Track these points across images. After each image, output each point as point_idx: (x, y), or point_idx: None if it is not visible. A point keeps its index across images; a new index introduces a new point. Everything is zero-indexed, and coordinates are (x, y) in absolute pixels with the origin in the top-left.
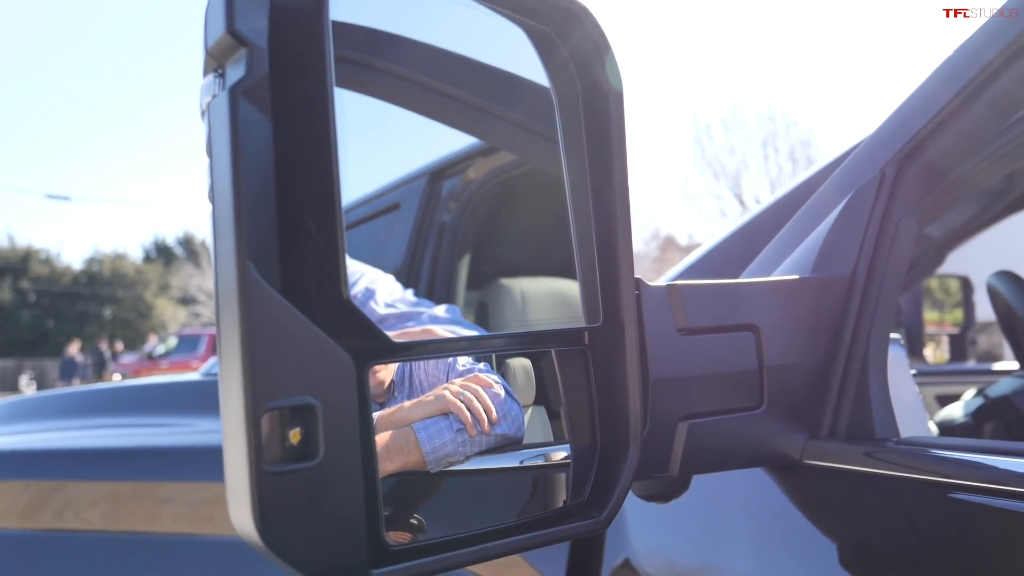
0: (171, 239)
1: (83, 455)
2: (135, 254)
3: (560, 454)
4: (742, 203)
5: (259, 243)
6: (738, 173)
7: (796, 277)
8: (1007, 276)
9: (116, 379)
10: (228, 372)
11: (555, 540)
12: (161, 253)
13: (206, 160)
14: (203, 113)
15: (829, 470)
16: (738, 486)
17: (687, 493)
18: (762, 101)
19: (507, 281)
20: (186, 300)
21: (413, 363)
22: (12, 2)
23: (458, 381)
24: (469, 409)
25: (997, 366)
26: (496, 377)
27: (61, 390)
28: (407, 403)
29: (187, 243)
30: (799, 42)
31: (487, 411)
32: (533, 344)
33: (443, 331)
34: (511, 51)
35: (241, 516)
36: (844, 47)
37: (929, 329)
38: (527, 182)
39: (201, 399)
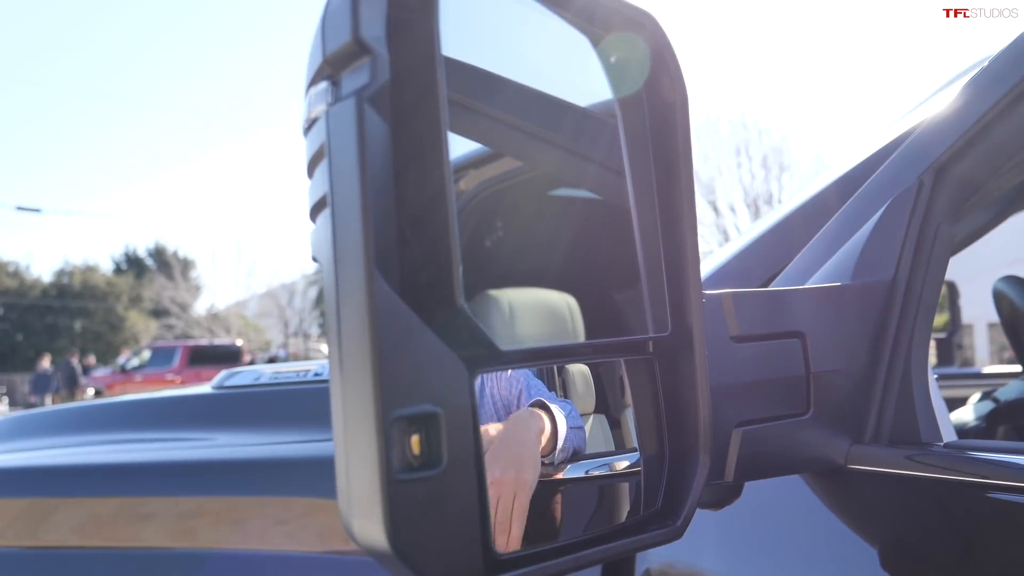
0: (142, 250)
1: (111, 470)
2: (106, 266)
3: (624, 463)
4: (716, 210)
5: (383, 250)
6: (711, 180)
7: (838, 284)
8: (1014, 280)
9: (89, 393)
10: (353, 380)
11: (638, 549)
12: (132, 265)
13: (314, 172)
14: (311, 121)
15: (873, 475)
16: (778, 492)
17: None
18: (735, 109)
19: (495, 292)
20: (158, 312)
21: (486, 378)
22: None
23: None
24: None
25: (987, 369)
26: (558, 407)
27: (69, 404)
28: (491, 427)
29: (158, 254)
30: (772, 49)
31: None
32: (603, 354)
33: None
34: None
35: (369, 526)
36: (815, 54)
37: None
38: (517, 194)
39: (216, 412)
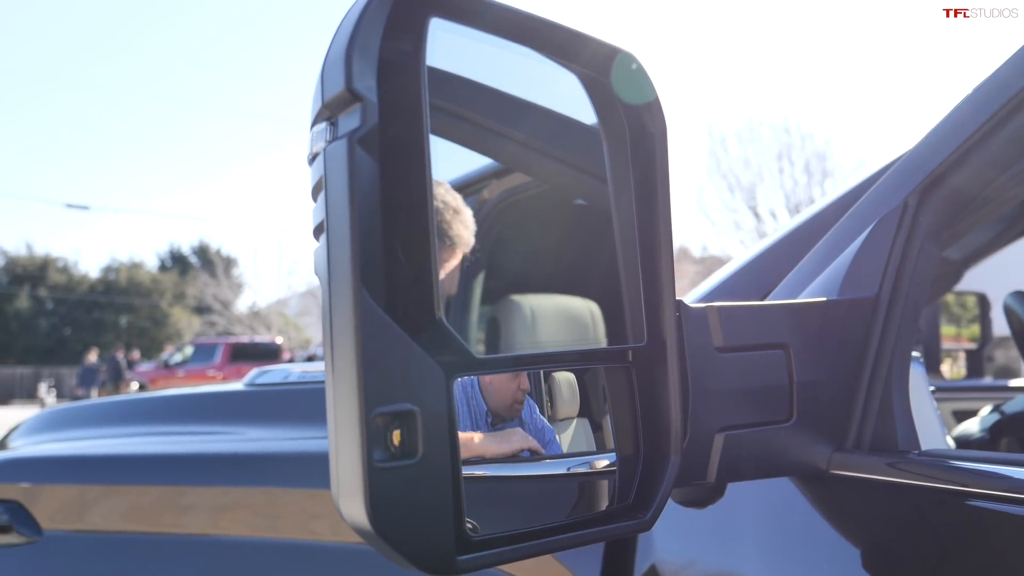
0: (186, 248)
1: (152, 460)
2: (151, 263)
3: (603, 462)
4: (757, 215)
5: (369, 270)
6: (753, 186)
7: (824, 299)
8: (1023, 297)
9: (134, 387)
10: (341, 381)
11: (607, 537)
12: (176, 262)
13: (316, 198)
14: (313, 156)
15: (854, 480)
16: (766, 495)
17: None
18: (777, 113)
19: (517, 298)
20: (201, 309)
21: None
22: (35, 13)
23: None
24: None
25: (1014, 382)
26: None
27: (113, 398)
28: (478, 435)
29: (202, 252)
30: (814, 54)
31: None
32: (585, 361)
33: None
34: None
35: (353, 506)
36: (858, 59)
37: (946, 344)
38: (538, 203)
39: (247, 408)
